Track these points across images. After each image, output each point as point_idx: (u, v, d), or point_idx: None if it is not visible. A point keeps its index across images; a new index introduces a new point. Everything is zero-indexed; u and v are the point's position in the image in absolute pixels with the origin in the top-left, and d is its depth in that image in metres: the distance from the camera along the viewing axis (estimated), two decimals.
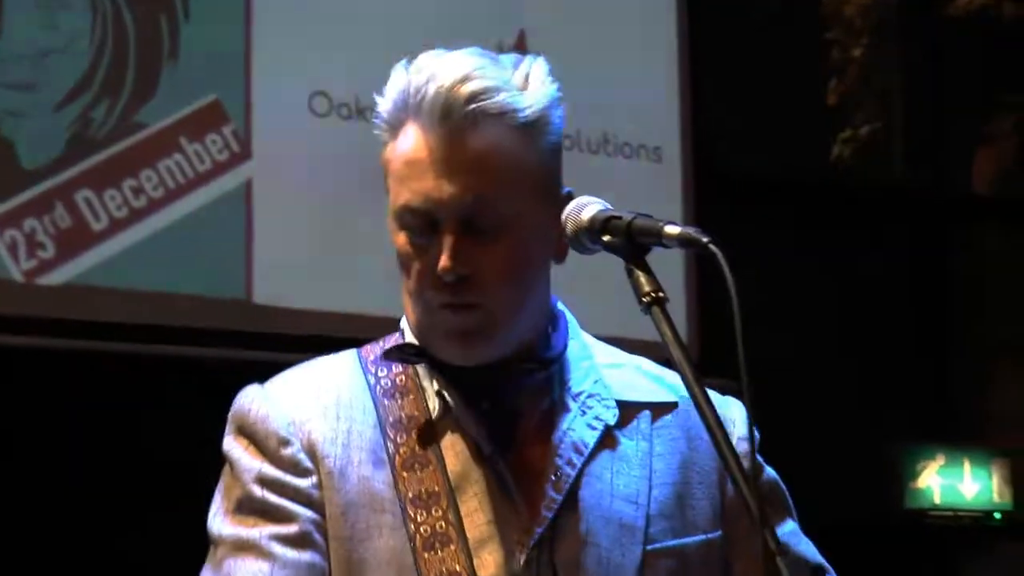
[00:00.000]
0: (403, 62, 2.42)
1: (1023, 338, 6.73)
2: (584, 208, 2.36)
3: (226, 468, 2.44)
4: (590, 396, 2.53)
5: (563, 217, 2.39)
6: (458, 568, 2.39)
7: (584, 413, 2.50)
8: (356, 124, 4.94)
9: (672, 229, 2.26)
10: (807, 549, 2.55)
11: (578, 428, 2.47)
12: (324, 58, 4.85)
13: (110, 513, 4.54)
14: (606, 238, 2.33)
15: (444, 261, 2.35)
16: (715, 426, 2.19)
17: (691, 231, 2.24)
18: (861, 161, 6.76)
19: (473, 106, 2.37)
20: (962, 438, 6.55)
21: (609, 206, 2.35)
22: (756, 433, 2.40)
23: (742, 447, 2.44)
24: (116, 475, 4.49)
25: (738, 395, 2.33)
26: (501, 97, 2.40)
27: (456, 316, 2.40)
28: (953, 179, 6.90)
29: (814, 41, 6.75)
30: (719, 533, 2.49)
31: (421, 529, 2.40)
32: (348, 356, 2.54)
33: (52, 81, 4.64)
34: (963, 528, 6.53)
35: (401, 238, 2.42)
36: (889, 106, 6.81)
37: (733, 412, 2.52)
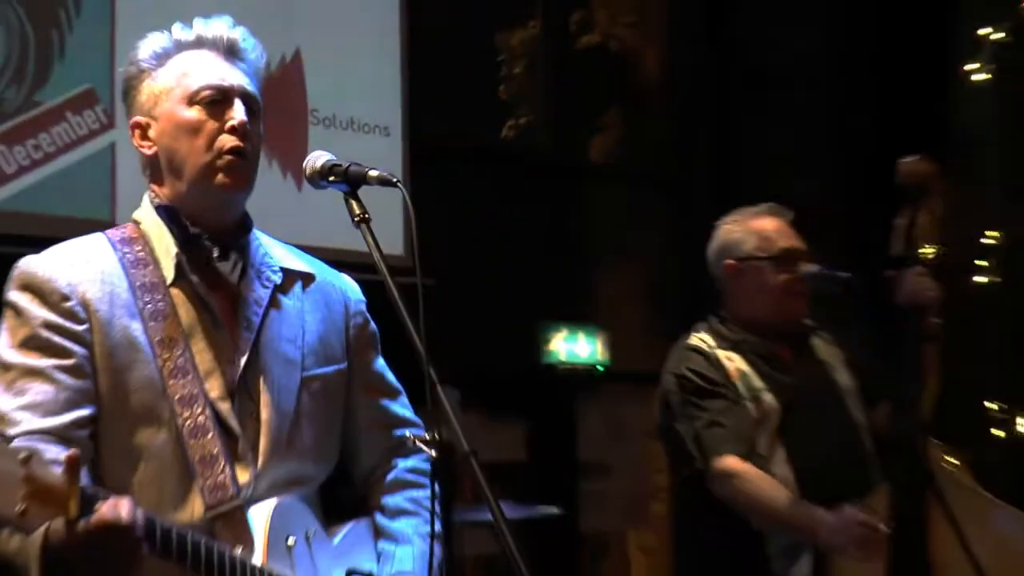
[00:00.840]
0: (162, 31, 2.55)
1: (612, 254, 6.85)
2: (318, 158, 2.41)
3: (8, 314, 2.37)
4: (263, 264, 2.55)
5: (304, 164, 2.44)
6: (195, 391, 2.39)
7: (259, 277, 2.53)
8: None
9: (374, 173, 2.38)
10: (392, 377, 2.75)
11: (257, 288, 2.52)
12: None
13: None
14: (332, 179, 2.39)
15: (242, 115, 2.45)
16: (398, 300, 2.26)
17: (386, 174, 2.38)
18: (520, 139, 6.82)
19: (243, 48, 2.54)
20: (572, 319, 6.61)
21: (335, 158, 2.42)
22: (364, 297, 2.69)
23: (359, 307, 2.71)
24: None
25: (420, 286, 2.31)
26: (253, 48, 2.57)
27: (238, 159, 2.44)
28: (578, 153, 6.97)
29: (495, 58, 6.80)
30: (346, 364, 2.63)
31: (167, 364, 2.38)
32: (99, 237, 2.50)
33: None
34: (579, 376, 6.62)
35: (193, 113, 2.44)
36: (538, 105, 6.83)
37: (350, 282, 2.72)
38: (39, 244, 4.52)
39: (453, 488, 2.23)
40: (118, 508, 2.05)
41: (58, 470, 1.98)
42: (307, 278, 2.62)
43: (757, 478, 3.67)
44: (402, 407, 2.73)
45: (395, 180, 2.37)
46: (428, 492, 2.51)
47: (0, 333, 2.36)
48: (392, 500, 2.67)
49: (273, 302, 2.53)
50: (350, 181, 2.39)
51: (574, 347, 6.56)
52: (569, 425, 6.67)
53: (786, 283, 3.84)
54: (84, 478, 2.16)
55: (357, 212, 2.36)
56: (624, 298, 6.77)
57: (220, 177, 2.44)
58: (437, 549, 2.47)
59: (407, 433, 2.58)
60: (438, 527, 2.37)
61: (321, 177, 2.41)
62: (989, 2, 5.67)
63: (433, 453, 2.17)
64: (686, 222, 4.43)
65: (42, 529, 2.06)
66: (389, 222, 2.45)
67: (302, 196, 4.95)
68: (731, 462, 3.67)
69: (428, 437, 2.18)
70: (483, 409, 5.42)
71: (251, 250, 2.55)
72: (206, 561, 2.21)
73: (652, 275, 6.67)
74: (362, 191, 2.42)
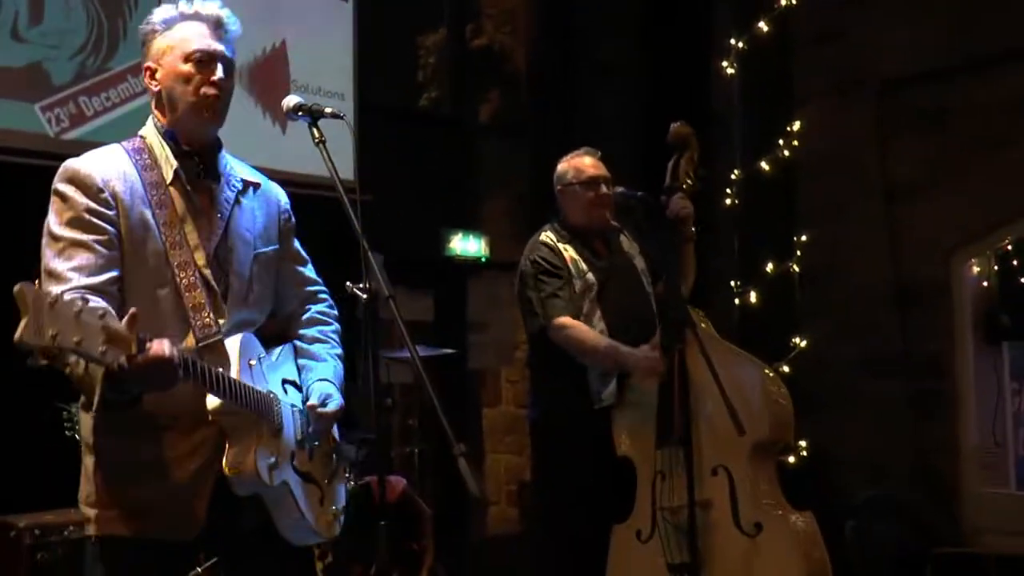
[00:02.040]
0: (167, 5, 2.37)
1: (493, 183, 6.71)
2: (291, 100, 2.40)
3: (57, 200, 2.22)
4: (229, 176, 2.42)
5: (282, 103, 2.39)
6: (188, 259, 2.27)
7: (228, 184, 2.41)
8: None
9: (328, 109, 2.37)
10: (304, 253, 2.61)
11: (226, 191, 2.39)
12: None
13: None
14: (300, 113, 2.35)
15: (221, 73, 2.32)
16: (347, 197, 2.25)
17: (337, 111, 2.36)
18: (432, 106, 6.74)
19: (227, 26, 2.37)
20: (465, 226, 6.51)
21: (302, 99, 2.40)
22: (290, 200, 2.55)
23: (287, 207, 2.55)
24: None
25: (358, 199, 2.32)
26: (234, 26, 2.39)
27: (215, 101, 2.31)
28: (472, 115, 6.78)
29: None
30: (278, 245, 2.49)
31: (168, 238, 2.25)
32: (117, 147, 2.35)
33: (68, 45, 4.45)
34: (469, 264, 6.53)
35: (188, 67, 2.29)
36: (442, 84, 6.74)
37: (281, 191, 2.55)
38: None
39: (376, 322, 2.27)
40: (163, 346, 1.98)
41: (122, 322, 1.91)
42: (256, 186, 2.49)
43: (583, 330, 3.66)
44: (308, 271, 2.62)
45: (342, 115, 2.37)
46: (333, 328, 2.58)
47: (49, 214, 2.22)
48: (308, 332, 2.56)
49: (236, 201, 2.41)
50: (312, 114, 2.38)
51: (466, 245, 6.49)
52: (462, 296, 6.61)
53: (590, 199, 3.81)
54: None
55: (316, 136, 2.34)
56: (499, 212, 6.68)
57: (204, 113, 2.32)
58: (339, 364, 2.51)
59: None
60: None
61: (293, 112, 2.40)
62: (735, 21, 5.69)
63: (364, 296, 2.19)
64: (541, 162, 4.44)
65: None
66: (342, 156, 2.44)
67: (284, 137, 4.91)
68: (564, 320, 3.65)
69: (361, 286, 2.19)
70: (405, 285, 5.42)
71: (220, 165, 2.42)
72: (214, 380, 2.14)
73: (519, 197, 6.56)
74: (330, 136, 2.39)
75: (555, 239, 3.83)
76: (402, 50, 6.55)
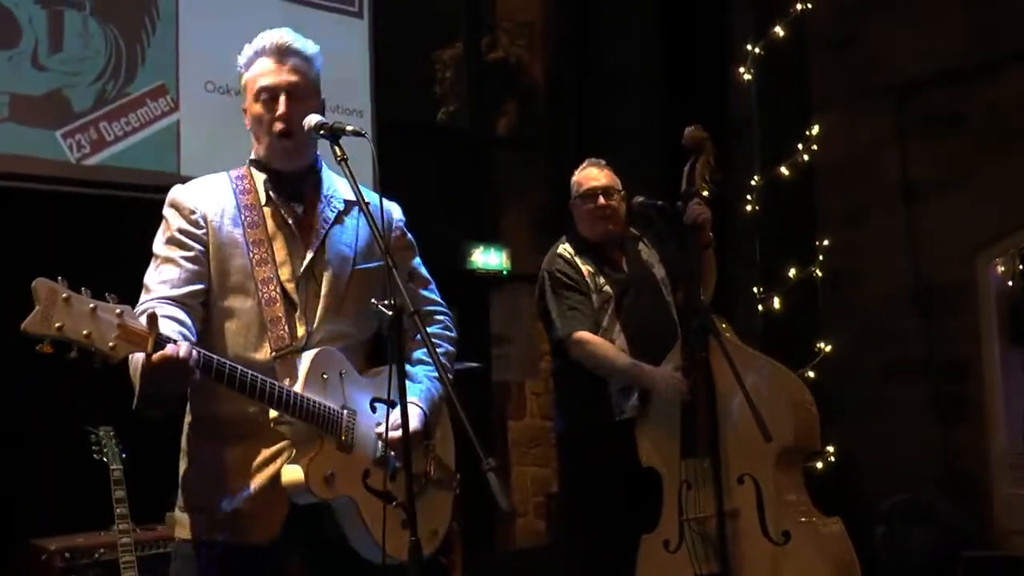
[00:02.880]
0: (254, 41, 2.47)
1: (511, 196, 6.70)
2: (312, 119, 2.37)
3: (162, 222, 2.40)
4: (332, 197, 2.52)
5: (303, 122, 2.39)
6: (271, 275, 2.39)
7: (329, 204, 2.51)
8: (224, 98, 4.75)
9: (350, 127, 2.36)
10: (424, 272, 2.67)
11: (325, 211, 2.49)
12: (210, 63, 4.70)
13: None
14: (322, 132, 2.34)
15: (283, 109, 2.41)
16: (369, 212, 2.26)
17: (359, 128, 2.36)
18: (449, 121, 6.71)
19: (291, 47, 2.44)
20: (486, 239, 6.49)
21: (325, 119, 2.40)
22: (404, 216, 2.61)
23: (399, 223, 2.62)
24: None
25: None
26: (299, 45, 2.45)
27: (284, 138, 2.42)
28: (490, 128, 6.78)
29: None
30: (383, 262, 2.41)
31: (254, 256, 2.39)
32: (223, 174, 2.50)
33: (87, 72, 4.47)
34: (491, 277, 6.51)
35: (258, 107, 2.42)
36: (459, 98, 6.70)
37: (394, 207, 2.61)
38: (130, 189, 4.57)
39: (403, 336, 2.19)
40: (177, 348, 2.07)
41: (143, 321, 2.05)
42: (364, 205, 2.49)
43: (601, 344, 3.63)
44: (430, 292, 2.68)
45: (363, 132, 2.37)
46: (443, 348, 2.61)
47: (158, 234, 2.41)
48: (415, 354, 2.56)
49: (337, 220, 2.50)
50: (334, 132, 2.37)
51: (487, 258, 6.47)
52: (484, 309, 6.59)
53: (589, 211, 3.79)
54: (193, 334, 2.25)
55: (339, 154, 2.33)
56: (519, 225, 6.66)
57: (280, 148, 2.44)
58: (436, 385, 2.51)
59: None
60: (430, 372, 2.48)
61: (314, 131, 2.39)
62: (752, 27, 5.67)
63: (389, 313, 2.16)
64: (560, 173, 4.43)
65: (142, 359, 2.10)
66: (361, 174, 2.44)
67: None
68: (582, 335, 3.64)
69: (386, 302, 2.16)
70: None
71: (322, 187, 2.52)
72: (240, 382, 2.20)
73: (538, 209, 6.55)
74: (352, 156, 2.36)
75: (571, 252, 3.82)
76: (418, 65, 6.56)
